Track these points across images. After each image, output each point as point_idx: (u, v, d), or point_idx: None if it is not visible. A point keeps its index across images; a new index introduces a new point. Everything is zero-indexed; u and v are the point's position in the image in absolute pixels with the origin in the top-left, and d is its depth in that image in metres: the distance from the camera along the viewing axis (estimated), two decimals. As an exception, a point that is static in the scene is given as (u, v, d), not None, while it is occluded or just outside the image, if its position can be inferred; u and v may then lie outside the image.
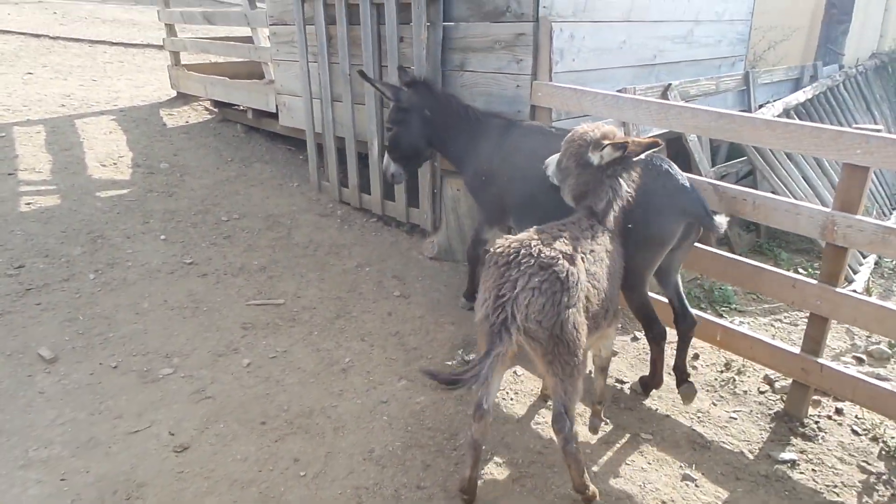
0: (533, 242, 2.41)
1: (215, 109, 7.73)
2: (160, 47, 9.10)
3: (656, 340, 3.30)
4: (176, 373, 3.49)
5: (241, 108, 7.12)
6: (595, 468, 2.91)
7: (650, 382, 3.47)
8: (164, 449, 2.94)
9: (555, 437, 2.54)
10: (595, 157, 2.73)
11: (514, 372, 3.61)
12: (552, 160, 2.98)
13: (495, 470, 2.88)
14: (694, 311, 3.68)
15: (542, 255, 2.36)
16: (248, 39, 7.02)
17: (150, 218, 5.22)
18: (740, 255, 5.33)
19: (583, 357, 2.46)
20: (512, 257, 2.37)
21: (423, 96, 3.90)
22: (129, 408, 3.20)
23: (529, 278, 2.31)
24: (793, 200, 3.29)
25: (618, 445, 3.09)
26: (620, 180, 2.75)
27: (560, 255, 2.38)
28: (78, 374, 3.43)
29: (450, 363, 3.65)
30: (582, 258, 2.46)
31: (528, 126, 3.77)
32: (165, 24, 8.02)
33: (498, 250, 2.44)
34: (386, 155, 4.17)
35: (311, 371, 3.55)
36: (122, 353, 3.63)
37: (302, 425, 3.13)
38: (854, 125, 3.17)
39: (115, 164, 6.13)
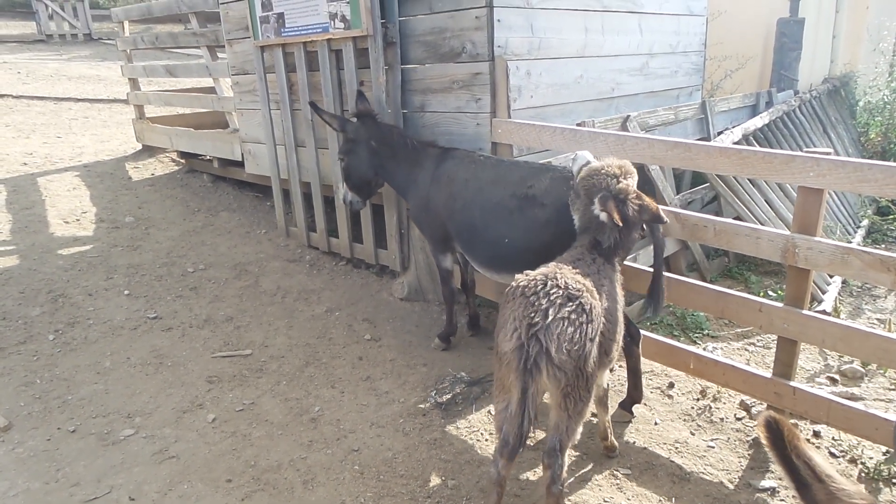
0: (558, 275, 2.42)
1: (182, 160, 7.68)
2: (126, 102, 9.08)
3: (634, 342, 3.32)
4: (138, 433, 3.36)
5: (207, 157, 7.09)
6: (573, 508, 2.83)
7: (633, 397, 3.46)
8: (123, 516, 2.80)
9: (542, 473, 2.46)
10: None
11: (489, 412, 3.53)
12: (581, 157, 2.96)
13: (471, 516, 2.78)
14: (667, 340, 3.68)
15: (570, 286, 2.38)
16: (213, 90, 7.03)
17: (113, 273, 5.10)
18: (711, 280, 5.37)
19: (592, 394, 2.46)
20: (540, 288, 2.37)
21: (368, 128, 4.05)
22: (87, 474, 3.06)
23: (559, 308, 2.31)
24: (753, 225, 3.32)
25: (596, 482, 3.01)
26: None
27: (584, 288, 2.41)
28: (33, 441, 3.29)
29: (422, 406, 3.57)
30: (598, 293, 2.49)
31: (460, 154, 3.87)
32: (129, 79, 8.03)
33: (522, 283, 2.44)
34: (343, 184, 4.32)
35: (280, 423, 3.44)
36: (81, 416, 3.49)
37: (270, 481, 3.01)
38: (810, 148, 3.23)
39: (78, 220, 6.03)
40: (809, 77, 9.13)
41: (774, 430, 1.07)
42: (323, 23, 4.62)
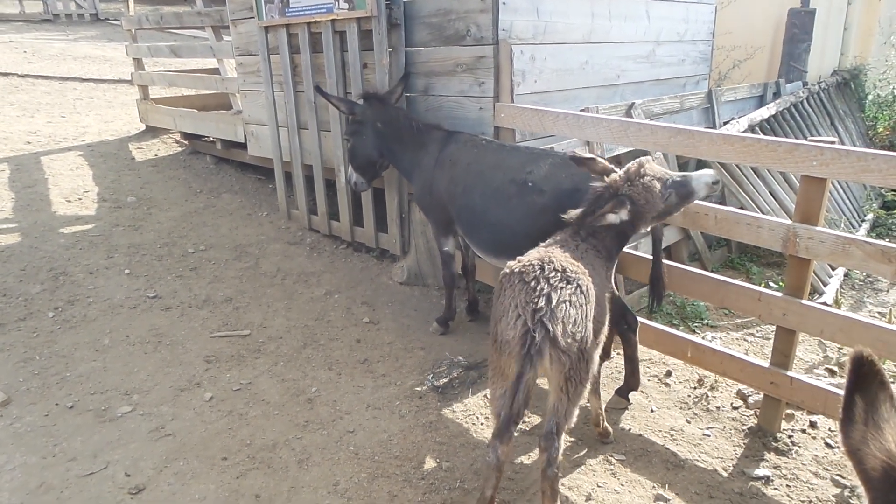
0: (553, 258, 2.41)
1: (185, 142, 7.67)
2: (130, 83, 9.07)
3: (632, 330, 3.30)
4: (135, 410, 3.38)
5: (211, 139, 7.08)
6: (567, 492, 2.83)
7: (630, 384, 3.45)
8: (119, 491, 2.82)
9: (538, 456, 2.46)
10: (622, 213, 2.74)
11: (485, 395, 3.53)
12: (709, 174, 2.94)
13: (464, 497, 2.79)
14: (665, 328, 3.67)
15: (567, 268, 2.37)
16: (217, 71, 7.00)
17: (114, 252, 5.11)
18: (712, 270, 5.34)
19: (591, 376, 2.46)
20: (538, 272, 2.34)
21: (375, 109, 4.05)
22: (83, 449, 3.07)
23: (561, 291, 2.29)
24: (754, 214, 3.29)
25: (590, 466, 3.02)
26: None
27: (579, 269, 2.41)
28: (31, 417, 3.30)
29: (419, 389, 3.58)
30: (590, 275, 2.48)
31: (464, 138, 3.87)
32: (133, 59, 8.00)
33: (518, 269, 2.41)
34: (349, 165, 4.34)
35: (276, 403, 3.45)
36: (79, 393, 3.50)
37: (265, 459, 3.02)
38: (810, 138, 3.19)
39: (80, 199, 6.03)
40: (819, 69, 9.03)
41: (858, 365, 1.09)
42: (327, 3, 4.59)
